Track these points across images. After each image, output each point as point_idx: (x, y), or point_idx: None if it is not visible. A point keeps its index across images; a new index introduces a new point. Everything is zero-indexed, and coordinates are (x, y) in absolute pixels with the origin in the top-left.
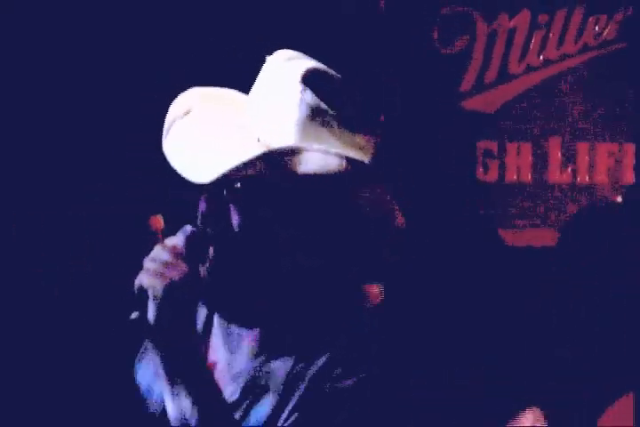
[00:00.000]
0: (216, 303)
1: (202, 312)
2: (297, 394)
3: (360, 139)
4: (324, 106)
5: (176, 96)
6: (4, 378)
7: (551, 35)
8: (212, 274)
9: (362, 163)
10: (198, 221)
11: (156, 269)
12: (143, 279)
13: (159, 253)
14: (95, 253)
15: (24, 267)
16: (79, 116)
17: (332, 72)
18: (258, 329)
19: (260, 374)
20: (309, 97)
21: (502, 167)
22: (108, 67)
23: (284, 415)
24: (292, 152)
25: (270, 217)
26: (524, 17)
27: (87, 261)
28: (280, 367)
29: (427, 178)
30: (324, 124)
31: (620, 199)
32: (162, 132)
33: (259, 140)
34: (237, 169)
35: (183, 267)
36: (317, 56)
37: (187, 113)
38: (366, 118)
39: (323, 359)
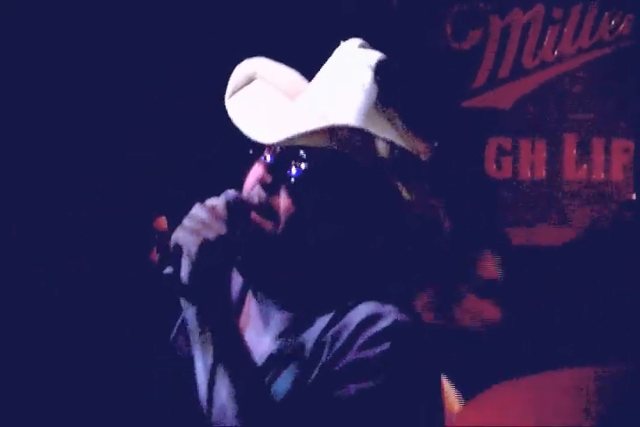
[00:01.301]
0: (249, 272)
1: (237, 283)
2: (319, 364)
3: (419, 144)
4: (390, 99)
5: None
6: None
7: (566, 30)
8: (249, 242)
9: (424, 163)
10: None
11: (192, 227)
12: (179, 235)
13: (197, 212)
14: (95, 252)
15: (24, 267)
16: (79, 117)
17: (402, 69)
18: (286, 311)
19: (285, 347)
20: (378, 86)
21: (516, 164)
22: (109, 67)
23: (307, 384)
24: (360, 133)
25: (323, 200)
26: (538, 12)
27: (87, 261)
28: (308, 340)
29: (439, 175)
30: (389, 117)
31: (634, 197)
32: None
33: (326, 119)
34: (303, 136)
35: (220, 228)
36: (330, 52)
37: (252, 77)
38: (430, 125)
39: (349, 329)
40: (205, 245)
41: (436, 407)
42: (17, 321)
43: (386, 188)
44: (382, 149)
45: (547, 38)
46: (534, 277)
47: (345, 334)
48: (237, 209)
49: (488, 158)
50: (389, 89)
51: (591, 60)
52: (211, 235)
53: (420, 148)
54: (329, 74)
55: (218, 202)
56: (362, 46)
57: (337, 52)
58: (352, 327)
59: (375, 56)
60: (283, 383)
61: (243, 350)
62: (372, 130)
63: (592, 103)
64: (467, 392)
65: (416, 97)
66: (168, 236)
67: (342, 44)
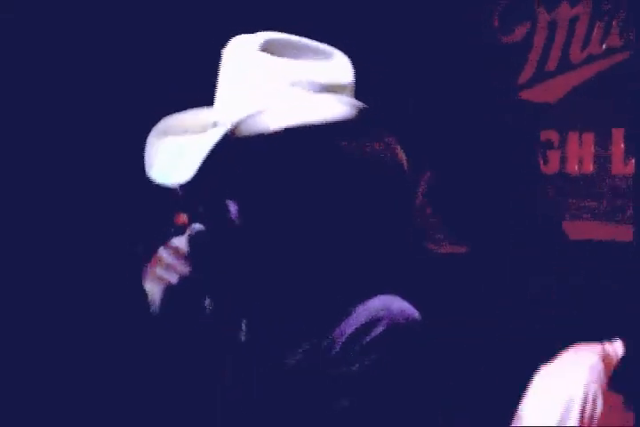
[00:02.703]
0: (221, 305)
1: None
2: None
3: (339, 90)
4: (295, 65)
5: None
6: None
7: (614, 23)
8: (217, 274)
9: (360, 106)
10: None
11: (155, 274)
12: (145, 284)
13: (161, 256)
14: (95, 252)
15: (24, 267)
16: (80, 117)
17: (289, 36)
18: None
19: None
20: (270, 62)
21: (563, 158)
22: (110, 67)
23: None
24: (254, 117)
25: (271, 200)
26: (586, 5)
27: (87, 261)
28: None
29: (487, 170)
30: (296, 84)
31: None
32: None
33: (215, 124)
34: (212, 157)
35: (184, 269)
36: (376, 46)
37: (163, 136)
38: (339, 70)
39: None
40: (169, 291)
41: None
42: (17, 321)
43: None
44: (286, 115)
45: (594, 32)
46: (580, 274)
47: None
48: (201, 244)
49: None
50: (281, 55)
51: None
52: (174, 279)
53: (339, 86)
54: (226, 78)
55: (180, 241)
56: (244, 39)
57: (223, 56)
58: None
59: (259, 39)
60: None
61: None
62: (266, 101)
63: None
64: None
65: (308, 48)
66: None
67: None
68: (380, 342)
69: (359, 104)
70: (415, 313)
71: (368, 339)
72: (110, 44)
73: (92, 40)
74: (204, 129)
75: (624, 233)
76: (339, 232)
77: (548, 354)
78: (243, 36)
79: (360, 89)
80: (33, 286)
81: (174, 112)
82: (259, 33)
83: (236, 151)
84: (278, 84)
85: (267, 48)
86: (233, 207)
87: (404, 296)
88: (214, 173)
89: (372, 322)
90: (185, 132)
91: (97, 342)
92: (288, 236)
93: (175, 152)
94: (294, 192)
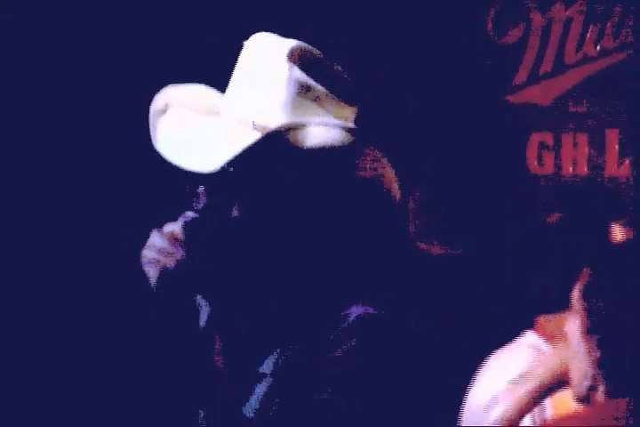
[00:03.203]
0: (213, 296)
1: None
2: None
3: (347, 111)
4: (312, 81)
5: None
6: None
7: (608, 24)
8: (212, 263)
9: (363, 132)
10: (198, 209)
11: (150, 257)
12: (144, 267)
13: (155, 240)
14: (96, 251)
15: (24, 267)
16: (81, 116)
17: (314, 49)
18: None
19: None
20: (298, 73)
21: (558, 159)
22: (110, 67)
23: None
24: (292, 130)
25: (274, 204)
26: (580, 7)
27: (87, 260)
28: (272, 358)
29: (481, 172)
30: (314, 99)
31: None
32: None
33: (254, 124)
34: (241, 156)
35: (179, 254)
36: (373, 47)
37: (165, 110)
38: (352, 90)
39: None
40: (166, 275)
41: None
42: (17, 321)
43: (341, 172)
44: (320, 133)
45: (589, 34)
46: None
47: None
48: (197, 231)
49: (530, 154)
50: (308, 72)
51: (634, 54)
52: (171, 263)
53: (347, 114)
54: (246, 75)
55: (175, 226)
56: (270, 41)
57: (245, 51)
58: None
59: (287, 45)
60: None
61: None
62: (301, 119)
63: (635, 98)
64: None
65: (333, 69)
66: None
67: (246, 43)
68: (353, 329)
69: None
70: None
71: (343, 327)
72: (106, 40)
73: (92, 39)
74: (207, 110)
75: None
76: (328, 238)
77: None
78: (268, 35)
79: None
80: (36, 279)
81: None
82: (289, 40)
83: (259, 156)
84: (298, 97)
85: (292, 56)
86: (235, 207)
87: (397, 297)
88: (229, 169)
89: (345, 315)
90: (187, 108)
91: (93, 335)
92: (281, 235)
93: (190, 134)
94: (293, 199)
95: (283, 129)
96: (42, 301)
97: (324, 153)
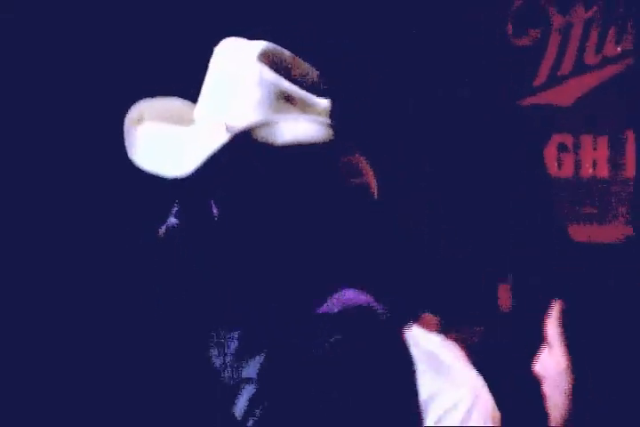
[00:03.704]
0: (201, 296)
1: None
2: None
3: (319, 108)
4: (283, 81)
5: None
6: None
7: (629, 25)
8: (192, 270)
9: (336, 127)
10: (175, 218)
11: None
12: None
13: None
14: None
15: (25, 268)
16: (82, 117)
17: (282, 49)
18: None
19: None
20: (268, 74)
21: (578, 161)
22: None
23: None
24: (262, 127)
25: (252, 202)
26: (600, 7)
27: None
28: (257, 361)
29: (499, 174)
30: (286, 98)
31: None
32: None
33: (227, 127)
34: (213, 157)
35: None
36: (390, 49)
37: (140, 120)
38: (320, 88)
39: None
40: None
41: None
42: (18, 322)
43: (316, 168)
44: (290, 129)
45: (609, 34)
46: (595, 275)
47: None
48: (178, 238)
49: (549, 156)
50: (279, 72)
51: None
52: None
53: (320, 108)
54: (218, 80)
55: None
56: (238, 45)
57: (215, 56)
58: None
59: (256, 47)
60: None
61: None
62: (270, 117)
63: None
64: None
65: (303, 67)
66: None
67: (216, 48)
68: (336, 320)
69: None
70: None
71: (328, 318)
72: (105, 41)
73: (92, 39)
74: (182, 121)
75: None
76: (308, 233)
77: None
78: (236, 39)
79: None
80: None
81: None
82: (259, 42)
83: (232, 156)
84: (271, 97)
85: (262, 58)
86: (214, 207)
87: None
88: (204, 171)
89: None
90: (161, 120)
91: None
92: (263, 237)
93: (163, 142)
94: (273, 199)
95: (252, 127)
96: (42, 302)
97: (297, 148)
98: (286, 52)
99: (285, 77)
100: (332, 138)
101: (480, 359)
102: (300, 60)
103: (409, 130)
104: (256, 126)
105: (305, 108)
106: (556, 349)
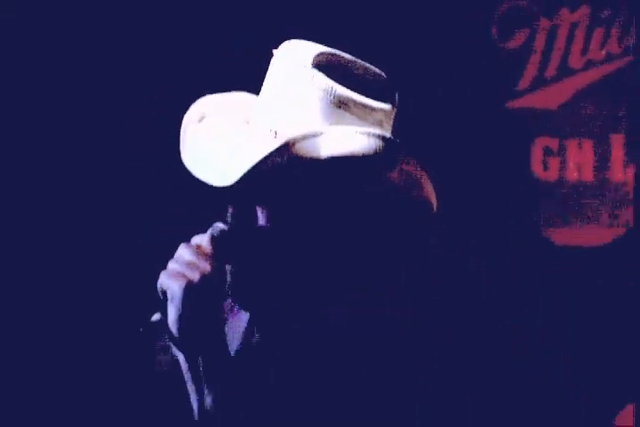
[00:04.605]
0: (242, 305)
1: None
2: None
3: (379, 114)
4: (338, 87)
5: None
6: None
7: (613, 29)
8: (239, 275)
9: (390, 139)
10: (226, 220)
11: (176, 270)
12: (163, 280)
13: (182, 253)
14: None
15: (25, 268)
16: (84, 119)
17: (341, 53)
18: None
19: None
20: (322, 81)
21: (563, 165)
22: (114, 70)
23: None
24: (310, 138)
25: (299, 213)
26: (585, 11)
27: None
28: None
29: (483, 177)
30: (341, 105)
31: None
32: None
33: (276, 135)
34: (259, 166)
35: (206, 267)
36: (376, 52)
37: (200, 120)
38: (383, 93)
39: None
40: (191, 289)
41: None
42: (18, 322)
43: (363, 181)
44: (339, 141)
45: (594, 38)
46: (576, 278)
47: None
48: (225, 243)
49: (534, 159)
50: (334, 79)
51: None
52: (196, 276)
53: (380, 117)
54: (271, 86)
55: (203, 239)
56: (295, 48)
57: (273, 61)
58: None
59: (311, 52)
60: None
61: (236, 388)
62: (318, 128)
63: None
64: None
65: (361, 73)
66: None
67: (275, 51)
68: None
69: (390, 136)
70: None
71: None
72: (110, 42)
73: (93, 39)
74: (244, 119)
75: (623, 238)
76: (354, 245)
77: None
78: (297, 42)
79: None
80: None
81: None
82: (316, 46)
83: (283, 165)
84: (323, 104)
85: (317, 63)
86: (261, 213)
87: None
88: (254, 179)
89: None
90: (225, 116)
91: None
92: (310, 245)
93: (213, 147)
94: (322, 209)
95: (297, 139)
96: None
97: (346, 161)
98: (346, 56)
99: (342, 82)
100: (384, 149)
101: None
102: (361, 63)
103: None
104: (303, 138)
105: (364, 114)
106: None
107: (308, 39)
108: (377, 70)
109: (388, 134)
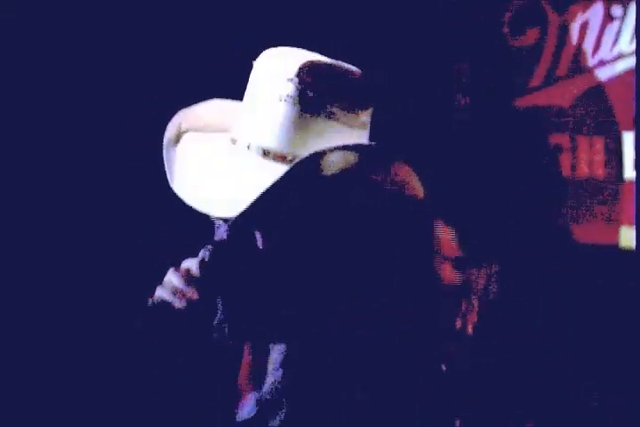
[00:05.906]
0: (234, 333)
1: None
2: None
3: (364, 115)
4: (323, 98)
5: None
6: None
7: (625, 27)
8: (227, 298)
9: (373, 146)
10: (219, 242)
11: (162, 298)
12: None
13: (170, 278)
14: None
15: (26, 269)
16: (86, 120)
17: (321, 58)
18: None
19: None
20: (306, 93)
21: (574, 162)
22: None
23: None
24: (316, 159)
25: (297, 233)
26: (597, 9)
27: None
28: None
29: (497, 173)
30: (328, 115)
31: None
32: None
33: (264, 153)
34: (265, 195)
35: (193, 295)
36: (385, 50)
37: (178, 137)
38: (364, 94)
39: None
40: (175, 317)
41: None
42: (18, 322)
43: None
44: (340, 157)
45: (605, 36)
46: (586, 275)
47: None
48: (214, 267)
49: (546, 156)
50: (313, 89)
51: None
52: (181, 304)
53: (365, 119)
54: (253, 98)
55: (192, 263)
56: (274, 58)
57: (254, 69)
58: None
59: (289, 63)
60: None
61: None
62: (322, 145)
63: None
64: None
65: (341, 80)
66: None
67: (254, 63)
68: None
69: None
70: None
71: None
72: (110, 43)
73: (93, 39)
74: (221, 129)
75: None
76: (353, 260)
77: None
78: (275, 51)
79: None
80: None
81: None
82: (297, 54)
83: (285, 188)
84: (314, 118)
85: (297, 74)
86: (259, 237)
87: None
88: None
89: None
90: (205, 140)
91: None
92: (309, 266)
93: (204, 173)
94: (319, 228)
95: (306, 160)
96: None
97: (343, 177)
98: (325, 60)
99: (328, 92)
100: (374, 150)
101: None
102: (340, 65)
103: (410, 131)
104: (303, 159)
105: (351, 120)
106: None
107: (311, 37)
108: (356, 69)
109: (366, 141)
